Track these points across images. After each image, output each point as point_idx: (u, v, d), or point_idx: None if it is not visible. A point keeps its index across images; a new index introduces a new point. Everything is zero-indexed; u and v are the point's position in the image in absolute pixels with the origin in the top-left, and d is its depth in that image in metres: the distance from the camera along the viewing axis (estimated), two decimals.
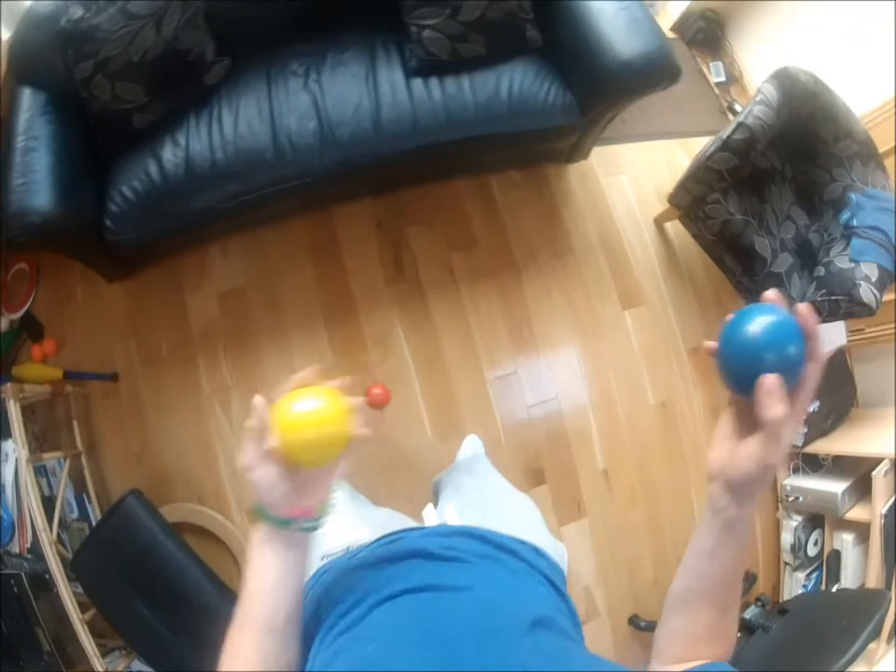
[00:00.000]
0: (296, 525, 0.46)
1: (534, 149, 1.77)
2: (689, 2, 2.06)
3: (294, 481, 0.46)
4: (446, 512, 0.79)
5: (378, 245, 1.81)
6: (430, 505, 0.82)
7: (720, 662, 0.47)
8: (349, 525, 0.77)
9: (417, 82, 1.49)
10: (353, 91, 1.48)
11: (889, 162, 1.64)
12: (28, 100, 1.44)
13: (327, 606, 0.54)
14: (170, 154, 1.48)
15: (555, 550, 0.69)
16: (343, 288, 1.78)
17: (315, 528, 0.48)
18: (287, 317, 1.76)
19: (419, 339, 1.77)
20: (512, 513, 0.76)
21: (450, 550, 0.58)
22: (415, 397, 1.75)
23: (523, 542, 0.65)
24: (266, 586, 0.46)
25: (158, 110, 1.50)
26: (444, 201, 1.85)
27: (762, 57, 2.15)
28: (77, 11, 1.36)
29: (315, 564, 0.68)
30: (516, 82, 1.51)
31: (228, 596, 1.51)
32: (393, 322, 1.77)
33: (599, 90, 1.48)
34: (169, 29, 1.41)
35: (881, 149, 1.63)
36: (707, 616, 0.48)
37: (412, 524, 0.79)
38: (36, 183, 1.36)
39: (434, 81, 1.49)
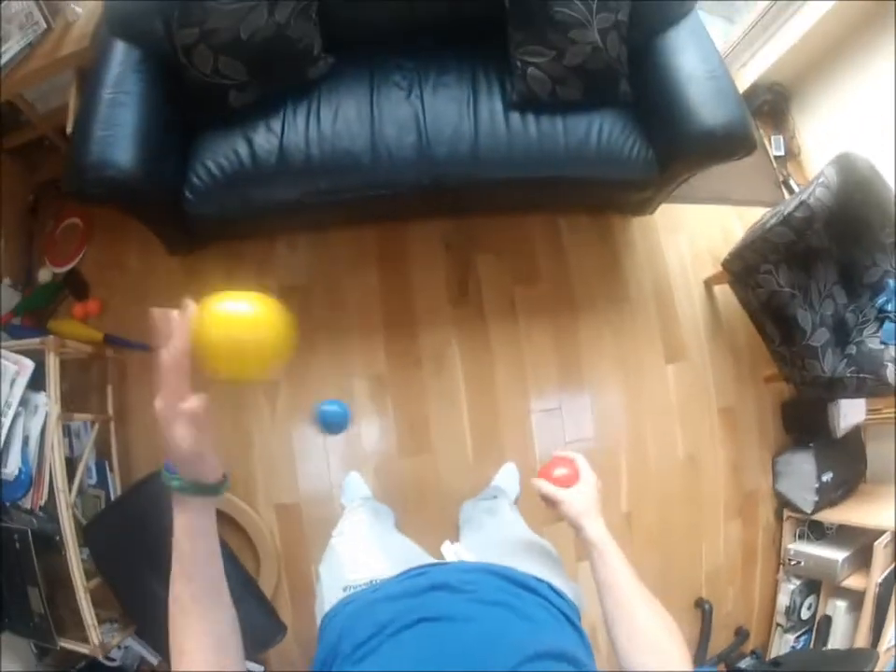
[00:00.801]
0: (224, 487, 0.48)
1: (607, 197, 1.84)
2: (760, 72, 2.11)
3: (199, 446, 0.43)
4: (464, 550, 0.82)
5: (446, 265, 1.84)
6: (448, 542, 0.85)
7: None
8: (373, 556, 0.81)
9: (515, 115, 1.55)
10: (453, 113, 1.52)
11: None
12: (121, 54, 1.40)
13: (347, 636, 0.57)
14: (263, 139, 1.49)
15: (570, 590, 0.72)
16: (406, 302, 1.80)
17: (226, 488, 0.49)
18: (345, 321, 1.77)
19: (473, 362, 1.81)
20: (530, 554, 0.79)
21: (469, 584, 0.61)
22: (461, 417, 1.78)
23: (541, 580, 0.68)
24: (199, 556, 0.48)
25: (257, 92, 1.50)
26: (514, 233, 1.90)
27: (821, 136, 2.18)
28: None
29: (338, 594, 0.71)
30: (605, 131, 1.57)
31: (249, 587, 1.48)
32: (450, 342, 1.80)
33: (679, 151, 1.56)
34: (283, 14, 1.41)
35: None
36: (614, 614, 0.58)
37: (429, 557, 0.82)
38: (120, 138, 1.32)
39: (531, 117, 1.55)
